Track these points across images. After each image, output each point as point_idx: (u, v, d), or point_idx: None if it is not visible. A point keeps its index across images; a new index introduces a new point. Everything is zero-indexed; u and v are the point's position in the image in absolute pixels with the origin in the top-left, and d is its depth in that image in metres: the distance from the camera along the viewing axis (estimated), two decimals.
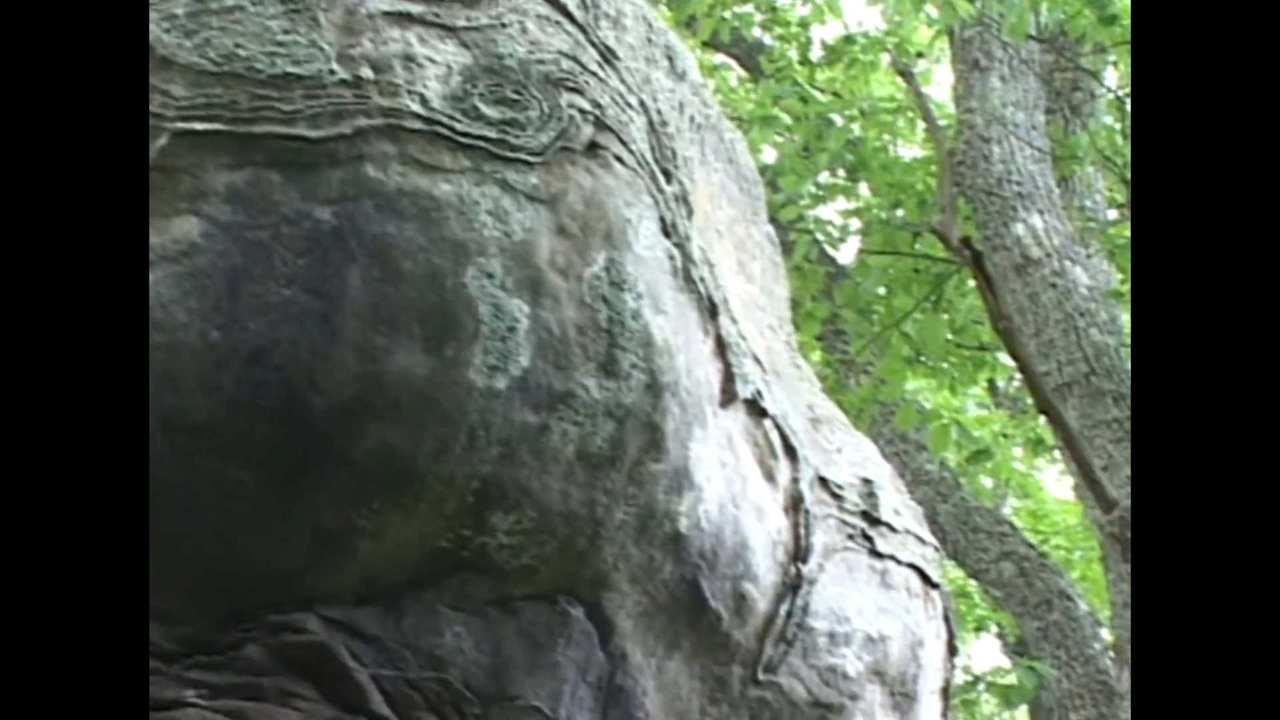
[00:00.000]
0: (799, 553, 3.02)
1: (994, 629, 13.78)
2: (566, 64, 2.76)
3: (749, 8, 11.58)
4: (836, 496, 3.14)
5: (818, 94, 10.65)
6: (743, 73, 12.61)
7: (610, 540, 2.73)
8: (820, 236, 10.91)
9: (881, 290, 10.46)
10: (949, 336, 10.31)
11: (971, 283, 8.99)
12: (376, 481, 2.55)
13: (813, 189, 10.93)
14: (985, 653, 15.74)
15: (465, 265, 2.57)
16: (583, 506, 2.69)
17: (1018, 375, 10.10)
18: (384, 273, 2.53)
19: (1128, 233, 10.13)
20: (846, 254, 11.57)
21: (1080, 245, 9.66)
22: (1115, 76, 10.53)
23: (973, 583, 11.98)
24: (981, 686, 11.63)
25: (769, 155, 11.07)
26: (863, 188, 11.29)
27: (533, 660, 2.75)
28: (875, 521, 3.22)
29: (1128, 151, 9.45)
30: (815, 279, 10.36)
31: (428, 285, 2.55)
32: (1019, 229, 9.25)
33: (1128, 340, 9.82)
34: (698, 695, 2.95)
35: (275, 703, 2.55)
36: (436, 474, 2.57)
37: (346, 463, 2.53)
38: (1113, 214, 11.07)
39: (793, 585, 3.00)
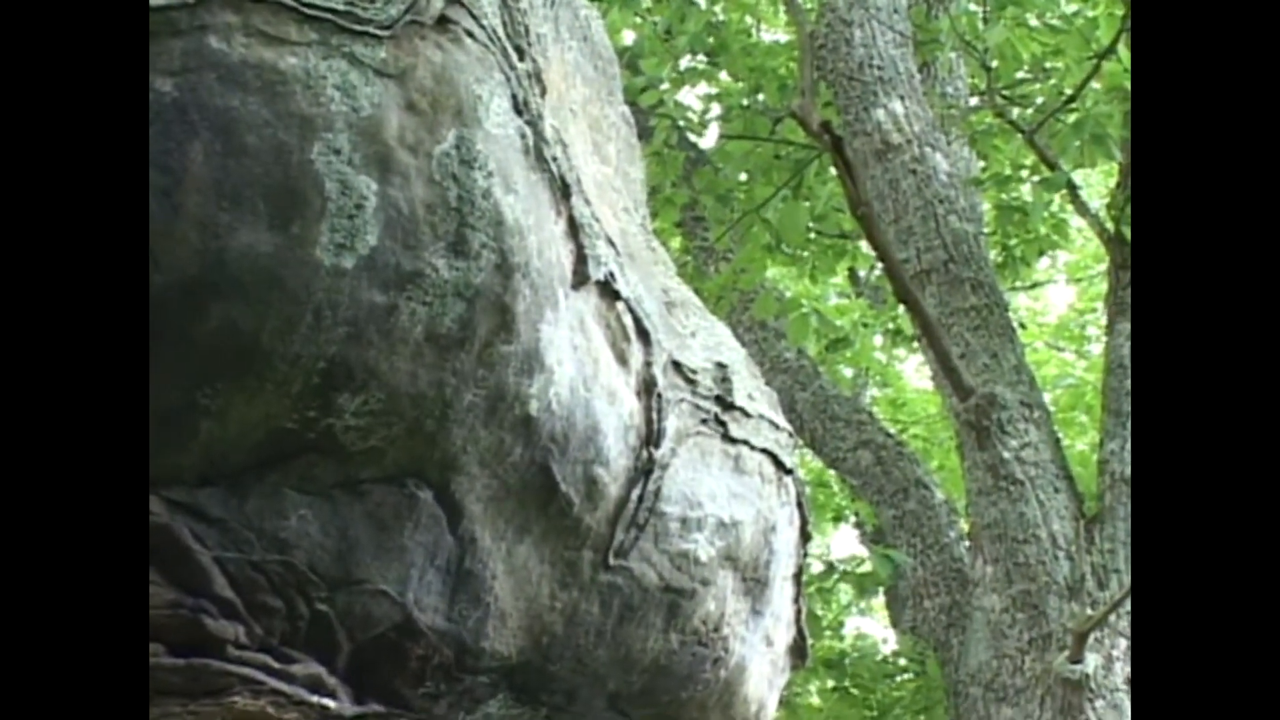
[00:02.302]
0: (651, 437, 3.04)
1: (852, 518, 13.99)
2: None
3: None
4: (690, 381, 3.16)
5: None
6: None
7: (459, 423, 2.74)
8: (680, 122, 10.89)
9: (742, 177, 10.48)
10: (809, 224, 10.37)
11: (832, 169, 9.03)
12: (219, 361, 2.55)
13: (673, 73, 10.89)
14: (843, 542, 15.99)
15: (311, 141, 2.55)
16: (431, 388, 2.69)
17: (878, 264, 10.19)
18: (227, 147, 2.50)
19: (989, 119, 10.22)
20: (707, 140, 11.59)
21: (941, 131, 9.73)
22: None
23: (831, 471, 12.13)
24: (837, 574, 11.78)
25: (629, 37, 11.03)
26: (723, 72, 11.28)
27: (380, 544, 2.76)
28: (729, 406, 3.25)
29: (989, 36, 9.51)
30: (675, 165, 10.36)
31: (273, 161, 2.53)
32: (880, 114, 9.31)
33: (986, 227, 9.94)
34: (547, 580, 2.98)
35: None
36: (281, 354, 2.57)
37: (188, 341, 2.52)
38: (974, 100, 11.16)
39: (644, 470, 3.03)
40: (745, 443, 3.25)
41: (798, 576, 3.48)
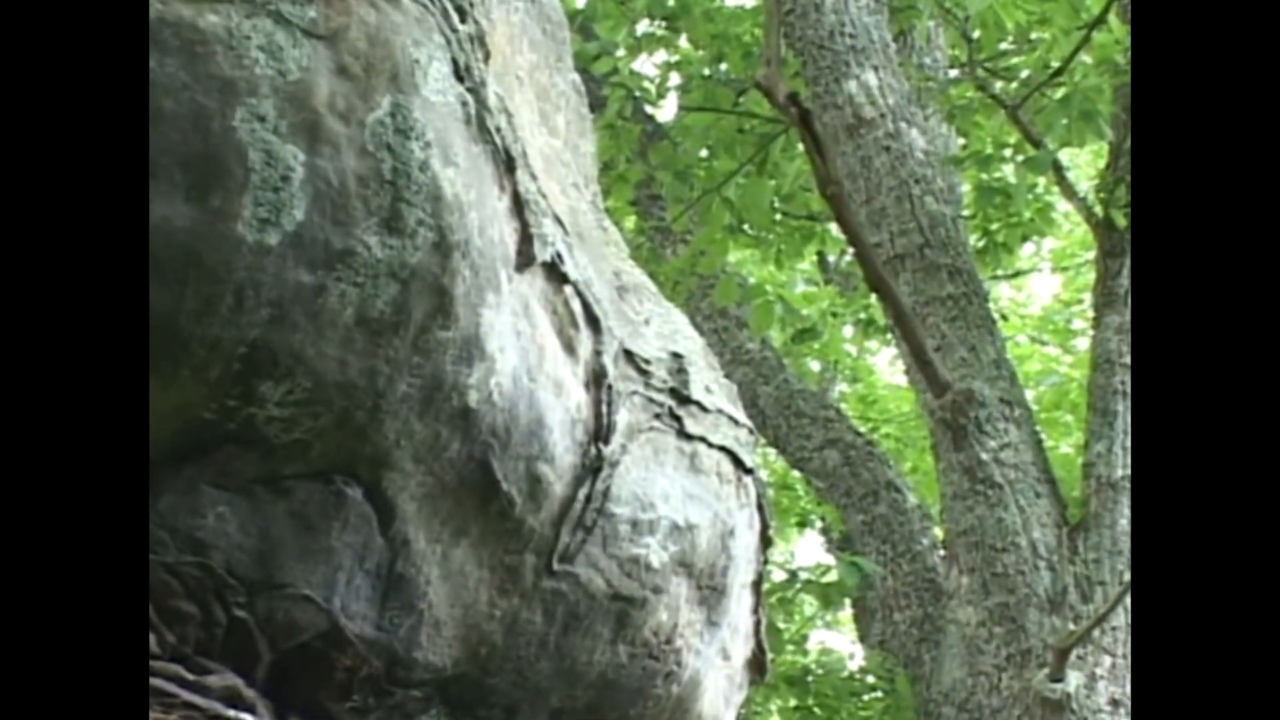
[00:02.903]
0: (600, 432, 3.05)
1: (818, 523, 14.04)
2: None
3: None
4: (643, 372, 3.18)
5: None
6: None
7: (392, 414, 2.75)
8: (636, 92, 10.90)
9: (702, 152, 10.50)
10: (775, 204, 10.40)
11: (800, 145, 9.05)
12: None
13: (629, 39, 10.91)
14: (808, 549, 16.03)
15: (234, 106, 2.56)
16: (362, 376, 2.70)
17: (849, 248, 10.23)
18: None
19: (969, 93, 10.25)
20: (665, 112, 11.60)
21: (917, 106, 9.77)
22: None
23: (795, 473, 12.17)
24: (800, 584, 11.82)
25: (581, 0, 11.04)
26: (683, 39, 11.29)
27: (304, 545, 2.77)
28: (685, 400, 3.26)
29: (971, 3, 9.53)
30: (630, 139, 10.38)
31: (191, 127, 2.53)
32: (851, 86, 9.34)
33: (965, 210, 9.98)
34: (486, 586, 2.99)
35: None
36: (199, 337, 2.57)
37: None
38: (953, 72, 11.20)
39: (593, 468, 3.04)
40: (702, 439, 3.27)
41: (757, 585, 3.50)
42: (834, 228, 10.05)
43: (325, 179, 2.62)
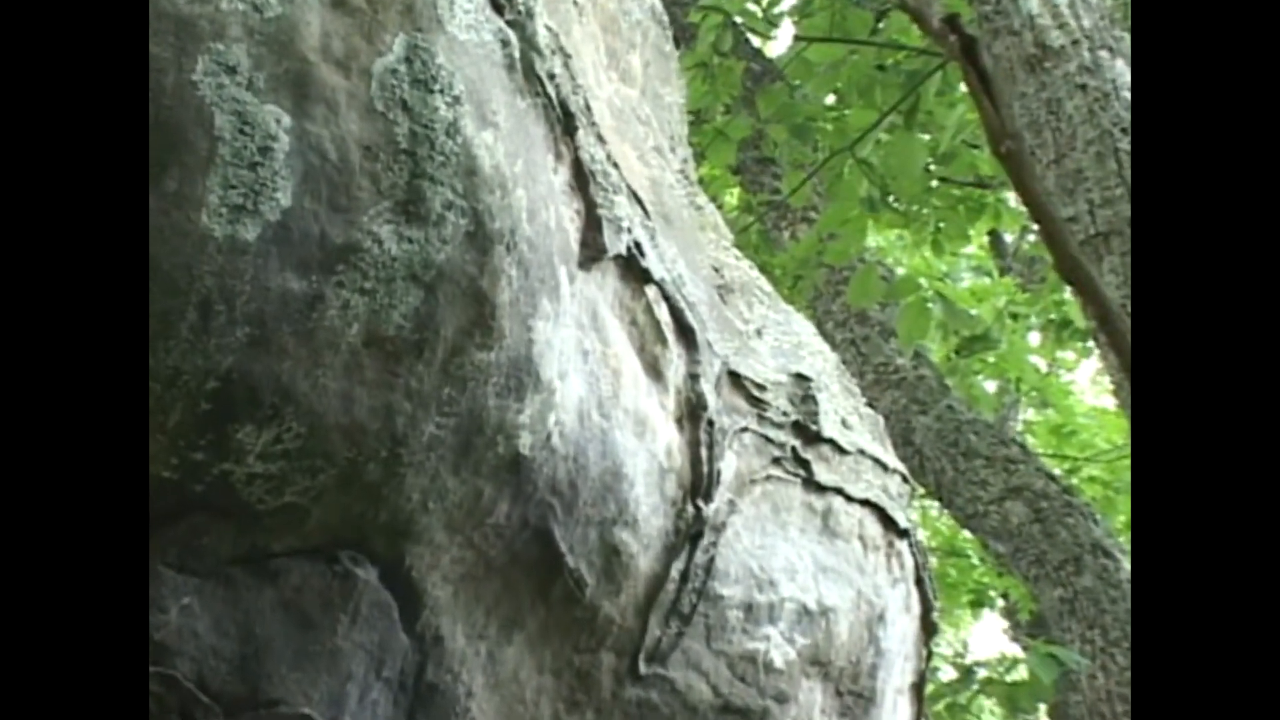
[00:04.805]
0: (699, 485, 3.07)
1: (999, 602, 13.97)
2: None
3: None
4: (755, 401, 3.20)
5: None
6: None
7: (416, 467, 2.76)
8: (737, 18, 10.90)
9: (829, 98, 10.46)
10: (929, 167, 10.35)
11: (961, 86, 9.02)
12: None
13: None
14: (987, 637, 15.99)
15: (194, 55, 2.58)
16: (374, 417, 2.71)
17: (1032, 225, 10.16)
18: None
19: None
20: (777, 45, 11.60)
21: (1123, 28, 9.72)
22: None
23: (966, 533, 12.11)
24: (978, 683, 11.78)
25: None
26: None
27: (301, 647, 2.78)
28: (813, 438, 3.29)
29: None
30: (730, 82, 10.36)
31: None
32: (1031, 5, 9.30)
33: None
34: (550, 697, 3.02)
35: None
36: (153, 369, 2.58)
37: None
38: None
39: (691, 534, 3.05)
40: (838, 491, 3.30)
41: (919, 688, 3.51)
42: (1011, 197, 9.98)
43: (319, 150, 2.64)
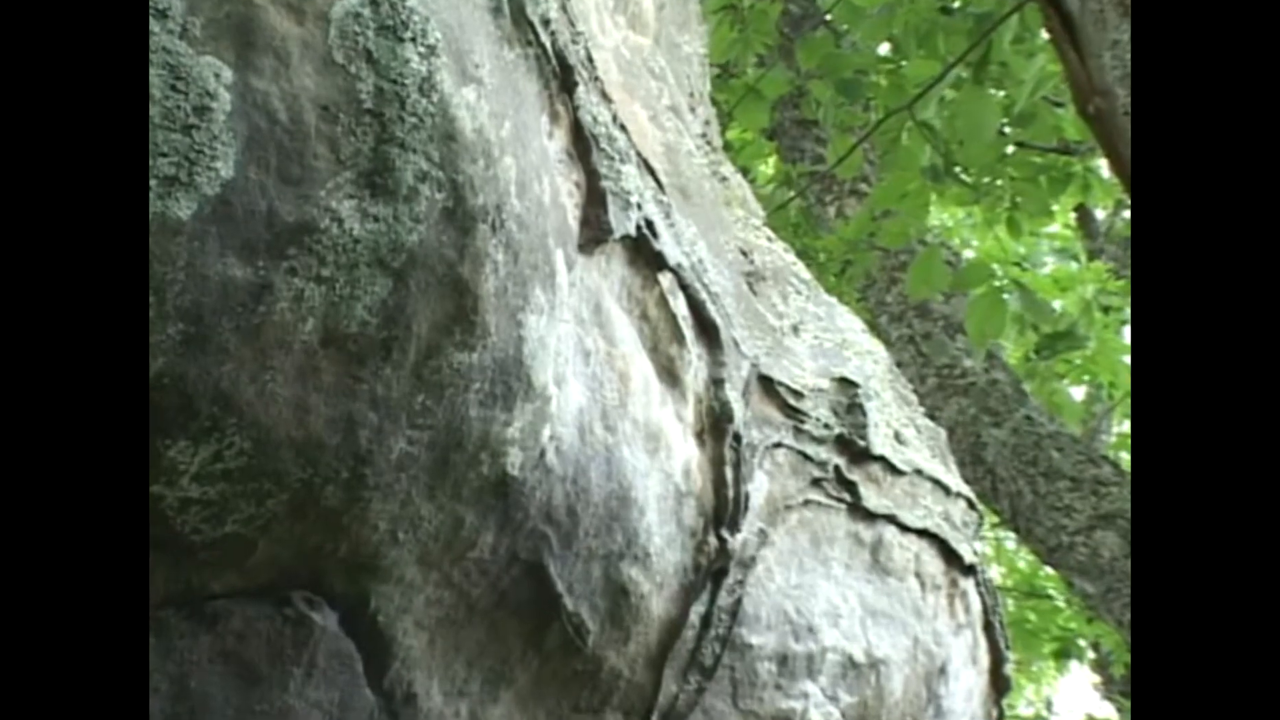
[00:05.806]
0: (724, 512, 2.93)
1: (1089, 653, 13.74)
2: None
3: None
4: (792, 411, 3.07)
5: None
6: None
7: (384, 490, 2.62)
8: None
9: (883, 48, 10.14)
10: (1004, 130, 10.00)
11: (1043, 34, 8.68)
12: None
13: None
14: (1075, 694, 15.81)
15: None
16: (333, 430, 2.57)
17: (1127, 199, 9.85)
18: None
19: None
20: None
21: None
22: None
23: (1048, 570, 11.85)
24: None
25: None
26: None
27: (244, 705, 2.63)
28: (861, 455, 3.15)
29: None
30: (763, 28, 10.06)
31: None
32: None
33: None
34: None
35: None
36: None
37: None
38: None
39: (713, 571, 2.92)
40: (890, 519, 3.15)
41: None
42: (1103, 166, 9.65)
43: (267, 111, 2.49)
